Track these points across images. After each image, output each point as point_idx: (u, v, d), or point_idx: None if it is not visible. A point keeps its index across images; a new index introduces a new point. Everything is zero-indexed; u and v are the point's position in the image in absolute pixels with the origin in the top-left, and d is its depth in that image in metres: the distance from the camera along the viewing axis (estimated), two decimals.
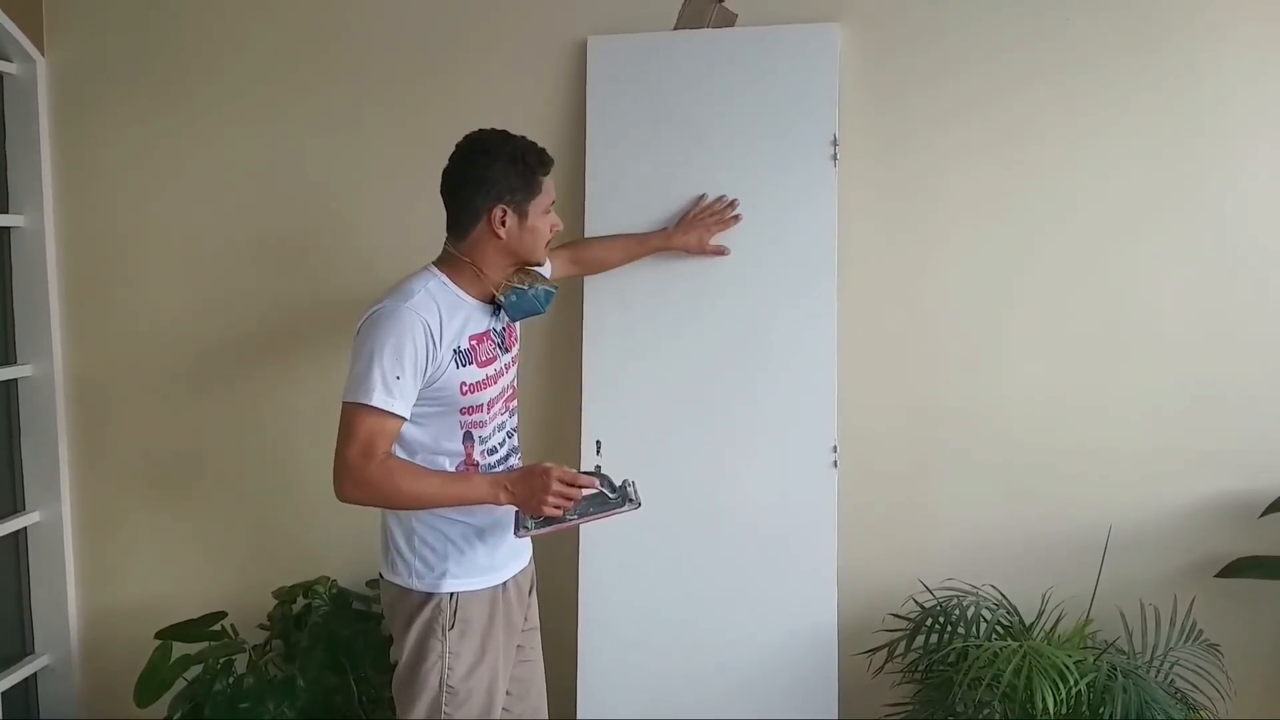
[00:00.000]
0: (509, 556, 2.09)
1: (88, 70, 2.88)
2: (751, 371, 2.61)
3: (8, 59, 2.82)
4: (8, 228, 2.88)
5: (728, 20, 2.67)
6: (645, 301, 2.65)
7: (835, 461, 2.57)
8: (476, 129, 2.05)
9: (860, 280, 2.64)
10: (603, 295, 2.66)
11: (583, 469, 2.03)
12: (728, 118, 2.63)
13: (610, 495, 1.96)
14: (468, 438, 1.98)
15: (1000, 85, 2.60)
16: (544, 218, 2.02)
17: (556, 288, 2.12)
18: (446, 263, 2.02)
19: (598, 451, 2.61)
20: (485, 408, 2.00)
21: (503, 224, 1.97)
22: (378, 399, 1.85)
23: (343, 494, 1.90)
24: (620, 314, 2.66)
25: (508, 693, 2.10)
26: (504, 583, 2.06)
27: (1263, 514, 2.52)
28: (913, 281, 2.67)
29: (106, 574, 3.00)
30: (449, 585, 1.97)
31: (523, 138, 2.02)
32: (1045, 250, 2.62)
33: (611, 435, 2.63)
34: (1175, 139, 2.56)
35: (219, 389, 2.91)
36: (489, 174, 1.95)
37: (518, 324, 2.15)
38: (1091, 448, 2.62)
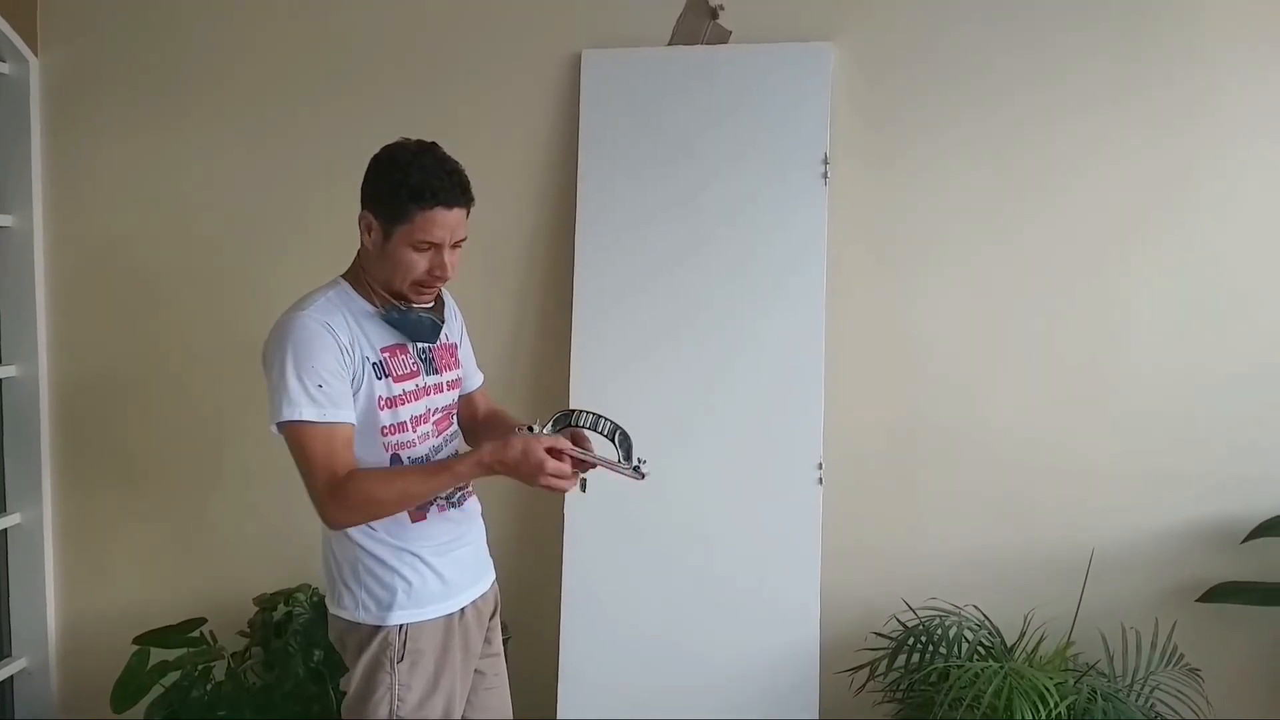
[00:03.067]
0: (467, 581, 1.97)
1: (81, 73, 2.88)
2: (738, 387, 2.61)
3: (1, 59, 2.82)
4: None
5: (721, 37, 2.69)
6: (633, 317, 2.66)
7: (820, 478, 2.57)
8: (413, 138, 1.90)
9: (848, 298, 2.65)
10: (590, 312, 2.67)
11: (602, 414, 1.93)
12: (720, 134, 2.64)
13: (623, 462, 1.89)
14: (395, 460, 1.87)
15: (993, 108, 2.62)
16: (412, 253, 1.81)
17: (442, 321, 1.94)
18: (351, 271, 1.92)
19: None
20: (409, 425, 1.88)
21: (368, 233, 1.84)
22: (308, 413, 1.74)
23: (332, 524, 1.82)
24: (607, 330, 2.66)
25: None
26: (461, 609, 1.94)
27: (1245, 539, 2.53)
28: (901, 301, 2.68)
29: (86, 578, 2.98)
30: (397, 618, 1.86)
31: (437, 162, 1.81)
32: (1033, 272, 2.64)
33: (598, 450, 2.62)
34: (1165, 167, 2.58)
35: (204, 394, 2.90)
36: (371, 176, 1.84)
37: (459, 350, 2.06)
38: (1076, 470, 2.63)
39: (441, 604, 1.91)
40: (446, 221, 1.81)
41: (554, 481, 1.79)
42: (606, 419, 1.93)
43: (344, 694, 1.93)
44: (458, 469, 1.83)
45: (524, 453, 1.78)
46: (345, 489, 1.76)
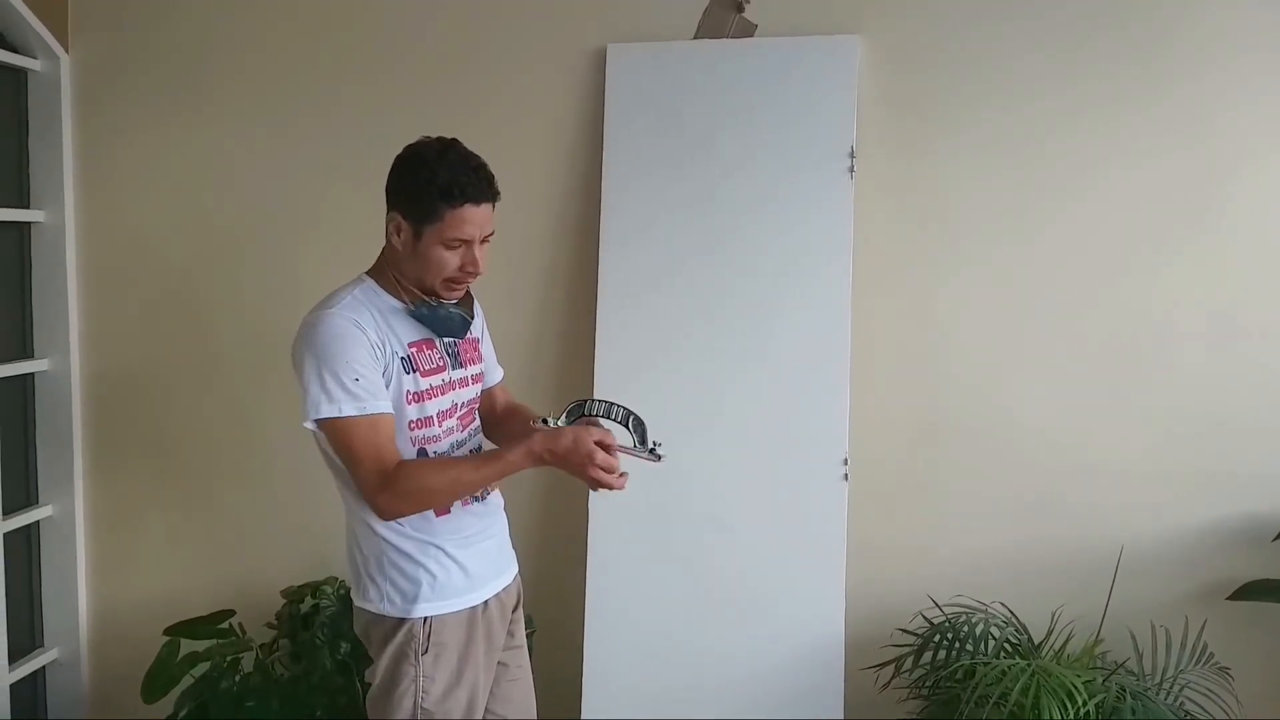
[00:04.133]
0: (491, 574, 1.99)
1: (111, 68, 2.90)
2: (764, 382, 2.61)
3: (32, 56, 2.85)
4: (29, 223, 2.90)
5: (747, 30, 2.67)
6: (657, 311, 2.65)
7: (846, 474, 2.56)
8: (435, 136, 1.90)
9: (875, 293, 2.64)
10: (614, 306, 2.67)
11: (623, 404, 1.93)
12: (746, 127, 2.63)
13: (639, 446, 1.90)
14: (422, 454, 1.89)
15: (1020, 104, 2.59)
16: (443, 251, 1.83)
17: (471, 315, 1.97)
18: (376, 268, 1.94)
19: None
20: (436, 420, 1.90)
21: (397, 234, 1.85)
22: (348, 408, 1.76)
23: (384, 515, 1.83)
24: (631, 325, 2.66)
25: (492, 711, 2.05)
26: (485, 601, 1.95)
27: (1276, 537, 2.50)
28: (927, 296, 2.67)
29: (117, 569, 3.02)
30: (422, 610, 1.87)
31: (462, 159, 1.82)
32: (1060, 269, 2.61)
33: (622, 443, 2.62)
34: (1193, 161, 2.55)
35: (234, 387, 2.93)
36: (397, 178, 1.86)
37: (481, 345, 2.08)
38: (1104, 467, 2.61)
39: (465, 597, 1.93)
40: (476, 218, 1.83)
41: (601, 475, 1.81)
42: (619, 405, 1.94)
43: (370, 686, 1.95)
44: (509, 458, 1.84)
45: (574, 443, 1.81)
46: (397, 479, 1.78)
